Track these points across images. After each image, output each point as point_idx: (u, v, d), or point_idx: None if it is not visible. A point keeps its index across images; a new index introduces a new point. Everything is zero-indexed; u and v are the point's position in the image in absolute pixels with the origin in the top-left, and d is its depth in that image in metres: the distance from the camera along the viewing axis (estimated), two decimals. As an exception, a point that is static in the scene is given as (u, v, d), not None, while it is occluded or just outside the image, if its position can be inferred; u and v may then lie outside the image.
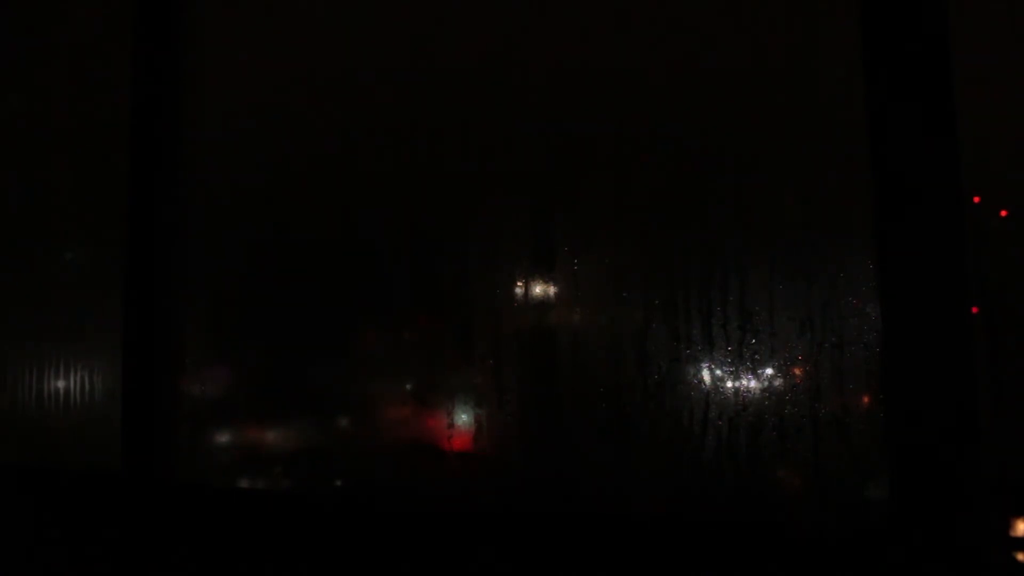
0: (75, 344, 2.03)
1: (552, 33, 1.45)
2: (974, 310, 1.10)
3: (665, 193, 1.35)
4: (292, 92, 1.74)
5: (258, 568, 1.58)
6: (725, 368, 1.26)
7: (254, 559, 1.59)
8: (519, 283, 1.45)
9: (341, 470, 1.66)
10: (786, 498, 1.23)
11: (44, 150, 2.22)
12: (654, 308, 1.32)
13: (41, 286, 2.15)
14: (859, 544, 1.12)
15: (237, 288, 1.81)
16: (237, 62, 1.85)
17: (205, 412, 1.83)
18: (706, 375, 1.27)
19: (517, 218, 1.46)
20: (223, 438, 1.83)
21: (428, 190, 1.56)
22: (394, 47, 1.61)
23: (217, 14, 1.90)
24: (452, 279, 1.52)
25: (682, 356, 1.29)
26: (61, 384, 2.05)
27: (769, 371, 1.23)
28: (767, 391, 1.23)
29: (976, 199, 1.16)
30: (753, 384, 1.24)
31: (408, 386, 1.57)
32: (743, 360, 1.25)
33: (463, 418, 1.48)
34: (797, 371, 1.21)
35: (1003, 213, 1.19)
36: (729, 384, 1.26)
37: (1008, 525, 1.11)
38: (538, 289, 1.44)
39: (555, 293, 1.43)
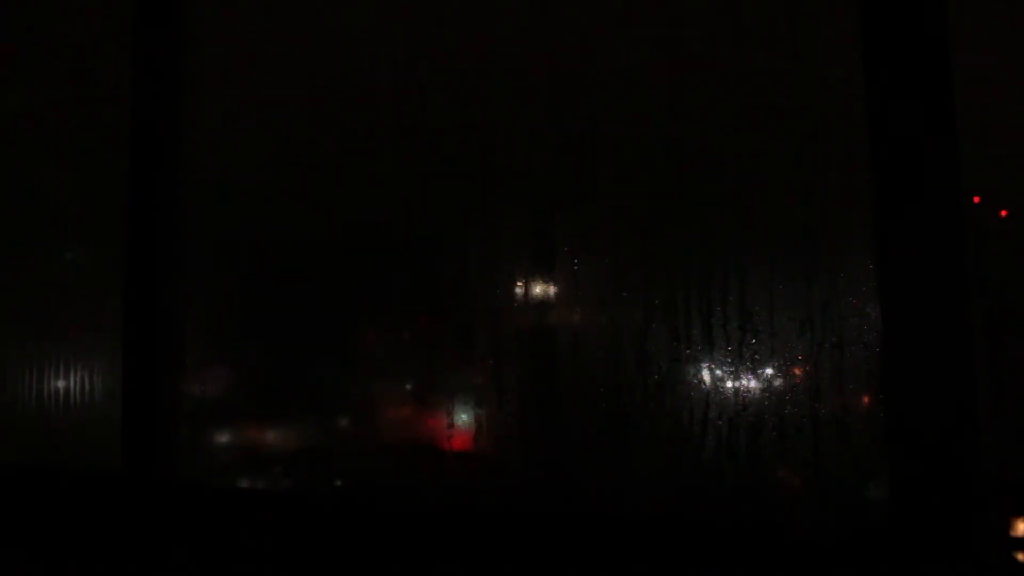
0: (75, 344, 2.03)
1: (552, 33, 1.45)
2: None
3: (665, 193, 1.36)
4: (292, 92, 1.74)
5: (258, 568, 1.58)
6: (725, 368, 1.26)
7: (254, 559, 1.59)
8: (519, 283, 1.45)
9: (341, 470, 1.66)
10: (786, 498, 1.23)
11: (44, 150, 2.22)
12: (654, 308, 1.32)
13: (41, 286, 2.15)
14: (859, 544, 1.12)
15: (237, 288, 1.81)
16: (237, 62, 1.85)
17: (205, 412, 1.83)
18: (706, 375, 1.27)
19: (517, 218, 1.46)
20: (223, 438, 1.83)
21: (428, 190, 1.56)
22: (394, 47, 1.61)
23: (217, 14, 1.90)
24: (452, 279, 1.52)
25: (682, 356, 1.29)
26: (61, 384, 2.05)
27: (769, 371, 1.23)
28: (767, 391, 1.23)
29: (976, 199, 1.16)
30: (753, 384, 1.24)
31: (408, 386, 1.57)
32: (743, 360, 1.25)
33: (463, 418, 1.48)
34: (797, 371, 1.21)
35: (1003, 213, 1.18)
36: (729, 384, 1.26)
37: (1008, 525, 1.11)
38: (538, 289, 1.44)
39: (555, 293, 1.43)
